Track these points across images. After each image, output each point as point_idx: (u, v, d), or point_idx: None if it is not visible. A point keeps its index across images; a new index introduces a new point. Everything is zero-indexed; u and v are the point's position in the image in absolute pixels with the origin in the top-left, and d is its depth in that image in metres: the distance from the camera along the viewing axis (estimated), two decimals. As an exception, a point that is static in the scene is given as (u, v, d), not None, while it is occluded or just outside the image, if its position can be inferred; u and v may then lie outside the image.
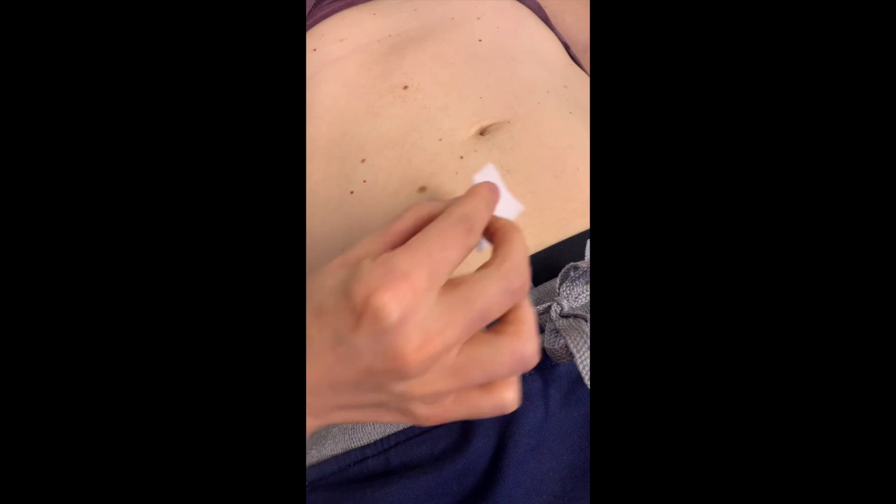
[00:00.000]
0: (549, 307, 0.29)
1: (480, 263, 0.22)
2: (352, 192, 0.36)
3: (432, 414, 0.22)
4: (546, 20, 0.49)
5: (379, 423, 0.31)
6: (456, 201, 0.22)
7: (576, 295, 0.29)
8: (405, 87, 0.38)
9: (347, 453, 0.31)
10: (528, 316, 0.22)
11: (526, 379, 0.29)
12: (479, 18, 0.42)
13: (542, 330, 0.30)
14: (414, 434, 0.30)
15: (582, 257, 0.32)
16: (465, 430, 0.29)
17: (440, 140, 0.35)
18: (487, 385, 0.22)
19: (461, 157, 0.35)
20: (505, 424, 0.28)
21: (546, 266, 0.32)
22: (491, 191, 0.23)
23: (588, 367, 0.25)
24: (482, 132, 0.36)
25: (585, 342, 0.26)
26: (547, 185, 0.34)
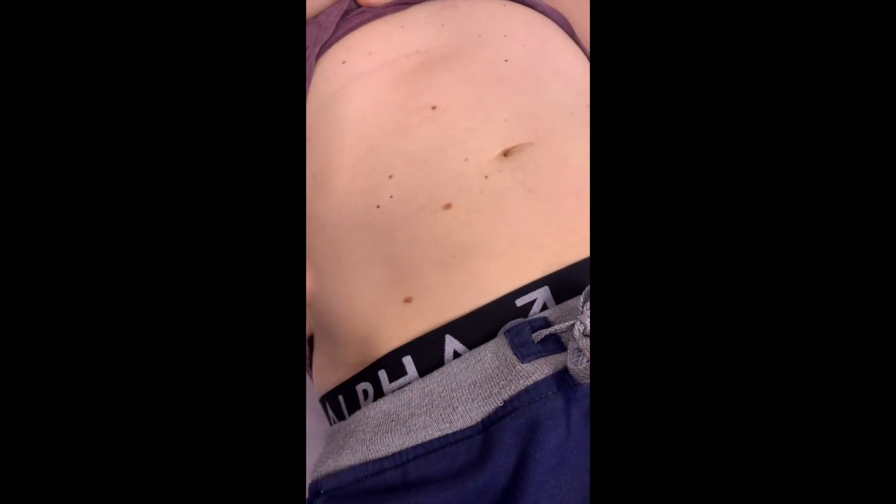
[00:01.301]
0: (573, 325, 0.29)
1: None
2: (378, 207, 0.36)
3: None
4: (571, 33, 0.49)
5: (398, 437, 0.31)
6: None
7: (599, 314, 0.29)
8: (433, 108, 0.38)
9: (365, 464, 0.31)
10: None
11: (549, 398, 0.29)
12: (505, 36, 0.42)
13: (564, 349, 0.30)
14: (433, 449, 0.30)
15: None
16: (485, 446, 0.29)
17: (466, 160, 0.36)
18: None
19: (486, 177, 0.35)
20: (526, 443, 0.28)
21: (569, 284, 0.32)
22: None
23: None
24: (506, 153, 0.36)
25: None
26: (569, 205, 0.34)
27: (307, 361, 0.45)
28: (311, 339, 0.44)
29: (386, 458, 0.30)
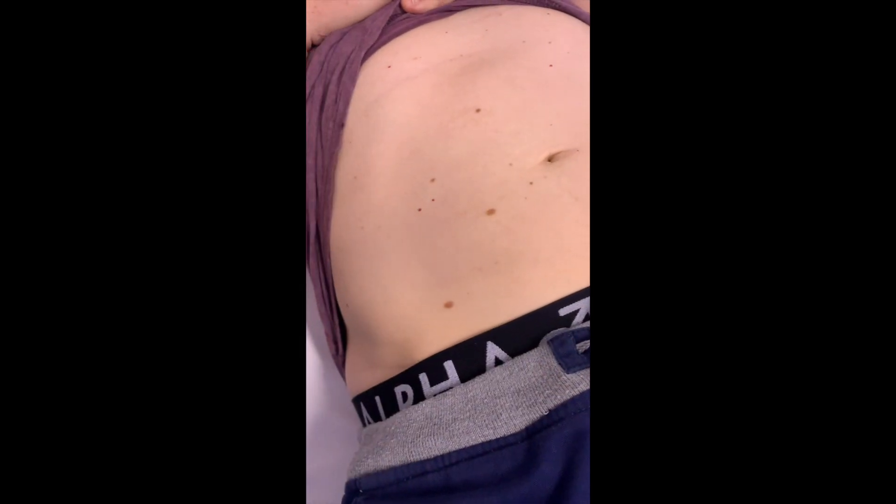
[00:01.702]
0: (618, 338, 0.29)
1: None
2: (419, 210, 0.37)
3: None
4: None
5: (440, 440, 0.31)
6: None
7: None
8: (477, 110, 0.38)
9: (406, 466, 0.32)
10: None
11: None
12: (550, 42, 0.43)
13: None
14: (476, 454, 0.30)
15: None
16: (530, 454, 0.29)
17: (510, 165, 0.36)
18: None
19: (531, 183, 0.35)
20: (574, 453, 0.28)
21: None
22: None
23: None
24: (551, 159, 0.36)
25: None
26: None
27: (340, 360, 0.45)
28: (345, 337, 0.45)
29: (428, 460, 0.31)
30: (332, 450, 0.49)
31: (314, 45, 0.47)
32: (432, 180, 0.37)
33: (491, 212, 0.35)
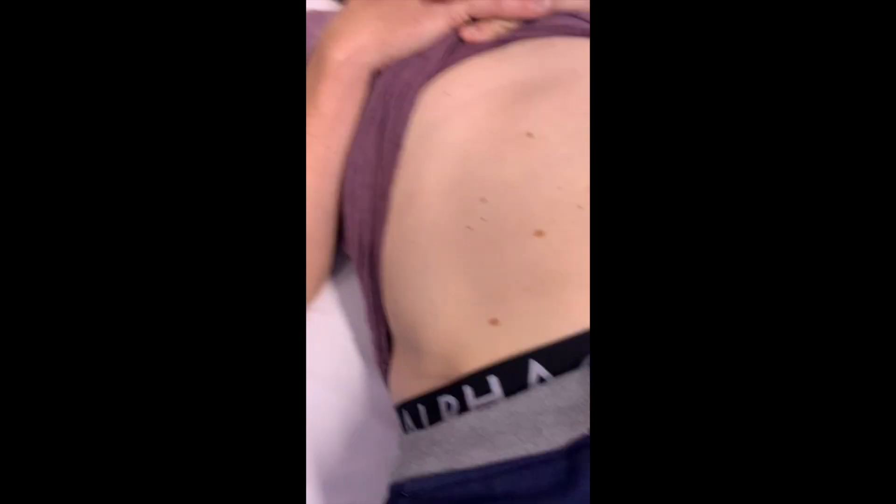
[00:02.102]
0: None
1: None
2: (468, 227, 0.39)
3: None
4: None
5: (483, 451, 0.33)
6: None
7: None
8: (529, 135, 0.40)
9: (450, 473, 0.33)
10: None
11: None
12: None
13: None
14: (518, 466, 0.32)
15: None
16: (571, 471, 0.31)
17: (560, 188, 0.37)
18: None
19: (579, 207, 0.37)
20: (613, 472, 0.30)
21: None
22: None
23: None
24: None
25: None
26: None
27: (386, 367, 0.47)
28: (390, 347, 0.47)
29: (471, 469, 0.33)
30: (369, 454, 0.51)
31: (378, 73, 0.50)
32: (482, 200, 0.39)
33: (539, 233, 0.36)
